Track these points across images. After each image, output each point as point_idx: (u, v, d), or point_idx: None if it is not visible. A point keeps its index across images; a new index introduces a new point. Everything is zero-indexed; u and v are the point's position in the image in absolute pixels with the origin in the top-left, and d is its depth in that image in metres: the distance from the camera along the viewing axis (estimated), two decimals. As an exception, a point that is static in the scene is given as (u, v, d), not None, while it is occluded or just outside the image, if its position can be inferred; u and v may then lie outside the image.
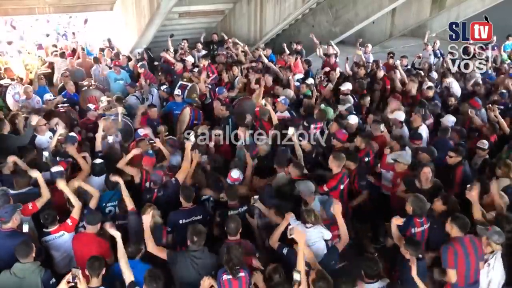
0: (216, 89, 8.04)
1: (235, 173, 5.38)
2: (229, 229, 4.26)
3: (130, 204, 4.73)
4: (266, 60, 10.01)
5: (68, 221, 4.61)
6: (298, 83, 8.75)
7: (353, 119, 6.89)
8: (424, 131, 6.79)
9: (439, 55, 11.39)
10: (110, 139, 6.28)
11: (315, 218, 4.34)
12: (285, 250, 4.15)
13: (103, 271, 3.85)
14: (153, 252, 4.16)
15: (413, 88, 8.44)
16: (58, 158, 5.77)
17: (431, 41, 11.77)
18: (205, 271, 3.95)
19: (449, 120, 7.04)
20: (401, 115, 7.02)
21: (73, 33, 14.03)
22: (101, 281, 3.85)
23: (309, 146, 6.17)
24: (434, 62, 10.94)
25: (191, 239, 4.02)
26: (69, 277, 3.66)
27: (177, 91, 8.02)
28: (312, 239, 4.26)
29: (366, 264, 3.91)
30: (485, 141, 6.16)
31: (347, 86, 8.41)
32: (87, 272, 3.84)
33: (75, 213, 4.63)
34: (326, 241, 4.39)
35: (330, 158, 5.42)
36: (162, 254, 4.14)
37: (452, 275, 4.14)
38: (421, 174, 5.26)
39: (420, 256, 4.11)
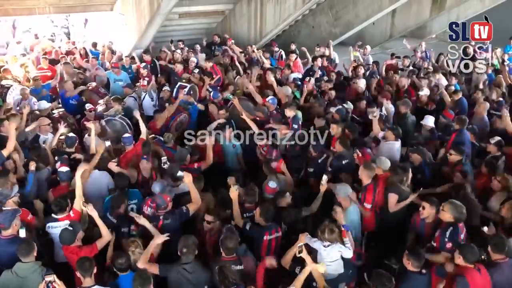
0: (211, 94, 8.02)
1: (272, 184, 5.11)
2: (226, 248, 4.06)
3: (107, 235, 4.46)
4: (265, 60, 10.07)
5: (71, 213, 4.62)
6: (300, 83, 8.78)
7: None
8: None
9: (428, 56, 11.42)
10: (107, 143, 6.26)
11: (330, 233, 4.12)
12: (297, 270, 4.04)
13: (95, 270, 3.80)
14: (142, 267, 4.01)
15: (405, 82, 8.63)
16: (56, 158, 5.78)
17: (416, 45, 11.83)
18: (199, 286, 3.86)
19: (430, 120, 6.98)
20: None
21: (68, 37, 13.96)
22: (94, 280, 3.80)
23: (314, 152, 6.07)
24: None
25: (181, 250, 3.91)
26: (43, 285, 3.60)
27: (187, 91, 8.05)
28: (329, 258, 4.10)
29: (379, 281, 3.70)
30: (496, 137, 6.11)
31: (362, 83, 8.49)
32: (78, 274, 3.79)
33: (77, 204, 4.62)
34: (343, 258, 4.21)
35: (360, 168, 5.21)
36: (154, 269, 4.01)
37: None
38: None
39: (424, 271, 3.97)
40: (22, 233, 4.23)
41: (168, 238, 4.21)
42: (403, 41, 12.36)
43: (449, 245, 4.26)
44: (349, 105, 7.71)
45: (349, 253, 4.17)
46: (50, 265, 4.13)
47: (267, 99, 7.42)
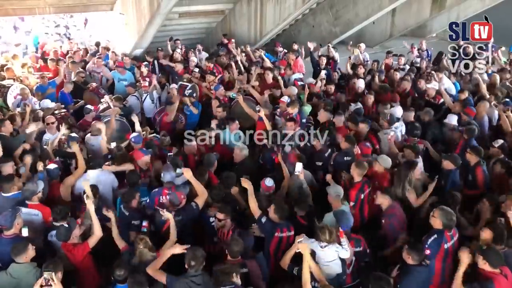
0: (213, 88, 8.05)
1: (269, 182, 5.08)
2: (231, 251, 4.05)
3: (121, 243, 4.46)
4: (267, 60, 10.06)
5: (79, 220, 4.62)
6: (302, 83, 8.77)
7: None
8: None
9: (429, 55, 11.41)
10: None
11: (329, 235, 4.10)
12: (295, 270, 4.03)
13: (60, 274, 3.73)
14: (151, 274, 3.96)
15: (407, 86, 8.57)
16: (58, 158, 5.85)
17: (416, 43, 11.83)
18: None
19: (453, 119, 7.01)
20: (398, 111, 7.22)
21: (69, 39, 13.93)
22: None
23: (320, 145, 6.09)
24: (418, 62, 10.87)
25: (189, 263, 3.79)
26: (41, 281, 3.59)
27: (189, 93, 8.07)
28: (326, 258, 4.10)
29: (377, 284, 3.63)
30: (499, 140, 6.12)
31: (361, 83, 8.43)
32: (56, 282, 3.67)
33: (97, 229, 4.51)
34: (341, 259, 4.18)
35: (352, 166, 5.27)
36: (161, 278, 3.92)
37: None
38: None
39: (424, 263, 3.97)
40: (25, 232, 4.23)
41: (185, 250, 3.99)
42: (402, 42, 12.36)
43: (427, 251, 4.18)
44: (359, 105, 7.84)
45: (346, 254, 4.16)
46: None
47: (282, 99, 7.42)
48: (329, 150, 6.11)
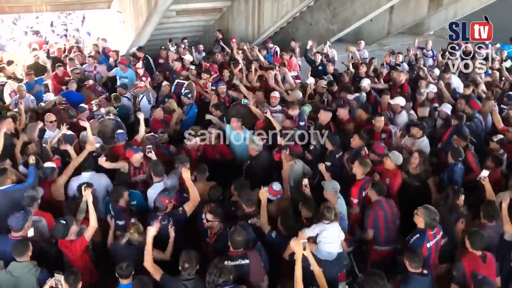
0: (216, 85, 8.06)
1: (277, 186, 4.97)
2: (233, 242, 4.02)
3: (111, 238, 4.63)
4: (263, 59, 10.04)
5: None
6: (299, 80, 8.80)
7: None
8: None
9: (435, 54, 11.41)
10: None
11: (335, 216, 4.23)
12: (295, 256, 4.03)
13: (80, 285, 3.71)
14: (147, 268, 3.97)
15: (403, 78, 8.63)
16: (56, 156, 5.83)
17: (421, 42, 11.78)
18: None
19: (447, 107, 7.23)
20: (401, 101, 7.32)
21: (65, 35, 13.83)
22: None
23: (332, 146, 6.00)
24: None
25: (182, 265, 3.75)
26: (52, 282, 3.61)
27: (185, 92, 8.05)
28: (329, 237, 4.12)
29: (372, 279, 3.57)
30: (499, 135, 6.19)
31: (366, 82, 8.37)
32: (64, 286, 3.68)
33: (93, 220, 4.53)
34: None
35: (356, 163, 5.26)
36: (156, 274, 3.93)
37: None
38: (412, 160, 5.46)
39: (425, 272, 3.89)
40: (30, 233, 4.25)
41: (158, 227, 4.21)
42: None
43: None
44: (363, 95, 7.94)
45: (343, 235, 4.25)
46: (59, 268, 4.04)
47: (274, 94, 7.53)
48: (340, 152, 6.01)
